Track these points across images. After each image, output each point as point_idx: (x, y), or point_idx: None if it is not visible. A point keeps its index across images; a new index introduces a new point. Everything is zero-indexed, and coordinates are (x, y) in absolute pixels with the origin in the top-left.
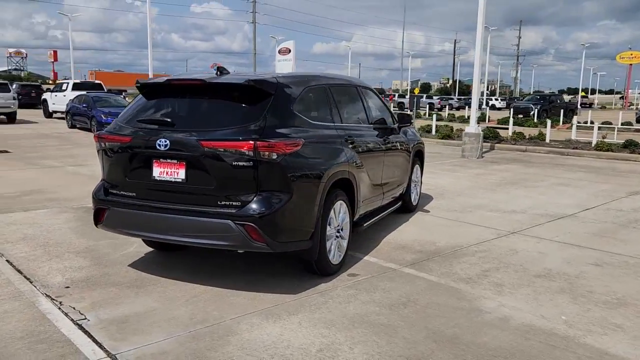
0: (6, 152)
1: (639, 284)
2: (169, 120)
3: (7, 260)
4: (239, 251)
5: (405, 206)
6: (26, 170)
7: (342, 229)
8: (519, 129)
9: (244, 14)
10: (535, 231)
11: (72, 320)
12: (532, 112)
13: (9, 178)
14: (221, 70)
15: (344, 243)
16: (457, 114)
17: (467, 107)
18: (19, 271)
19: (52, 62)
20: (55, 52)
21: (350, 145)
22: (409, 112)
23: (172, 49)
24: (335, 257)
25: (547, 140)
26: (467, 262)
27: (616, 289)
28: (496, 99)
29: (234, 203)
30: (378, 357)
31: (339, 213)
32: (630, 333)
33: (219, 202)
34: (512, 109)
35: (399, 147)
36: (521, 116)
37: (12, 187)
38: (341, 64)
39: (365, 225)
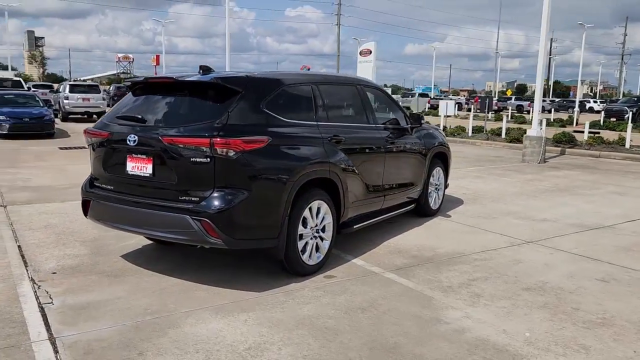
0: (84, 148)
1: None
2: (140, 117)
3: (18, 246)
4: (204, 247)
5: (421, 210)
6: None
7: (322, 230)
8: (610, 133)
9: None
10: (555, 242)
11: (38, 303)
12: (626, 116)
13: (69, 171)
14: (205, 70)
15: (325, 244)
16: (545, 116)
17: (566, 109)
18: (22, 256)
19: (155, 65)
20: (157, 57)
21: (336, 145)
22: (418, 113)
23: (266, 52)
24: (312, 257)
25: (627, 146)
26: (457, 270)
27: (609, 307)
28: (594, 101)
29: (192, 198)
30: (302, 356)
31: (318, 213)
32: (594, 356)
33: (180, 197)
34: (604, 112)
35: (410, 149)
36: (614, 119)
37: (68, 179)
38: (431, 65)
39: (355, 227)
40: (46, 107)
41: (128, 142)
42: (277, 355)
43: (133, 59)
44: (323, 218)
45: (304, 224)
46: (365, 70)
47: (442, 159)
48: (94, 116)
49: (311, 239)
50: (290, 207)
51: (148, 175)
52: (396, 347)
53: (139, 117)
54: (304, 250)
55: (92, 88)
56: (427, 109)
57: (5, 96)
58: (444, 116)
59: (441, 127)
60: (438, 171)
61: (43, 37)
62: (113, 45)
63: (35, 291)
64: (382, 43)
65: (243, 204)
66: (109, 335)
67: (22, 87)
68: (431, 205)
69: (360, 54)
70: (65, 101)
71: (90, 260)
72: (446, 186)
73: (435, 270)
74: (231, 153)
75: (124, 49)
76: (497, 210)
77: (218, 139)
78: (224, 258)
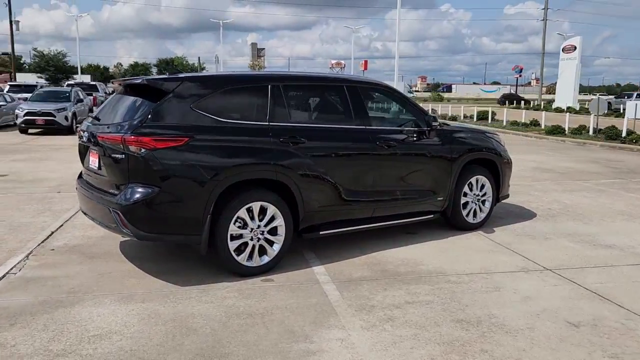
0: None
1: (587, 356)
2: (96, 116)
3: (61, 225)
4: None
5: (451, 223)
6: None
7: (271, 232)
8: None
9: (562, 13)
10: (585, 273)
11: (5, 273)
12: None
13: None
14: (172, 73)
15: (276, 247)
16: None
17: None
18: (51, 233)
19: (363, 70)
20: (365, 62)
21: (293, 147)
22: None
23: (481, 53)
24: (254, 259)
25: None
26: (409, 290)
27: (540, 356)
28: None
29: (114, 192)
30: (128, 350)
31: (263, 215)
32: None
33: (109, 191)
34: None
35: (423, 154)
36: None
37: None
38: None
39: (324, 233)
40: None
41: (83, 138)
42: (109, 346)
43: (345, 65)
44: (270, 220)
45: (244, 225)
46: (568, 68)
47: (488, 167)
48: None
49: (251, 240)
50: (213, 206)
51: (95, 168)
52: (224, 357)
53: (96, 116)
54: (240, 250)
55: None
56: (606, 112)
57: None
58: (632, 119)
59: (624, 132)
60: (478, 180)
61: (264, 48)
62: (333, 52)
63: (19, 263)
64: (619, 38)
65: (152, 199)
66: (16, 305)
67: None
68: (466, 217)
69: (562, 50)
70: None
71: (94, 242)
72: (499, 198)
73: (384, 286)
74: (142, 150)
75: (342, 55)
76: (563, 230)
77: (129, 137)
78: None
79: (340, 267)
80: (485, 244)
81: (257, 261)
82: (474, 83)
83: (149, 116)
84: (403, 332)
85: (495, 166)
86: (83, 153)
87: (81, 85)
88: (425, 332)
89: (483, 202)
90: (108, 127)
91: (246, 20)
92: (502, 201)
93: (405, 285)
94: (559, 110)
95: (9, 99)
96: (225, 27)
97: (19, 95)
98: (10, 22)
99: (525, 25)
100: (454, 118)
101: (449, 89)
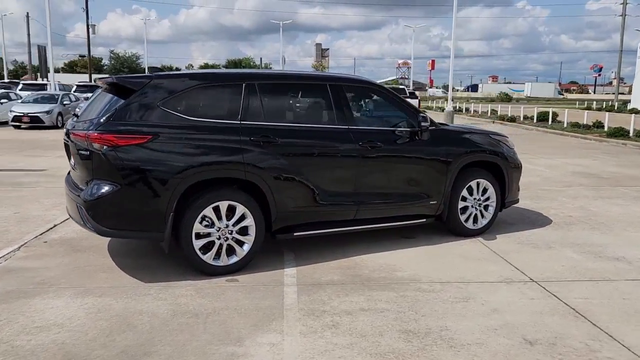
0: None
1: None
2: (76, 113)
3: (55, 224)
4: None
5: (449, 228)
6: None
7: (237, 232)
8: None
9: None
10: (572, 286)
11: None
12: None
13: None
14: (151, 70)
15: (246, 247)
16: None
17: None
18: (54, 226)
19: (430, 70)
20: (433, 61)
21: (264, 146)
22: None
23: (559, 51)
24: (222, 259)
25: None
26: (371, 296)
27: None
28: None
29: (82, 187)
30: (60, 343)
31: (232, 214)
32: None
33: (79, 187)
34: None
35: (413, 156)
36: None
37: None
38: None
39: (298, 234)
40: None
41: (65, 136)
42: (45, 338)
43: (411, 64)
44: (240, 220)
45: (211, 224)
46: None
47: (491, 171)
48: None
49: (219, 239)
50: (175, 204)
51: (73, 165)
52: (146, 355)
53: (76, 114)
54: (207, 249)
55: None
56: None
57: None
58: None
59: None
60: (480, 184)
61: (328, 49)
62: (402, 52)
63: (9, 254)
64: None
65: (112, 195)
66: None
67: (405, 93)
68: (465, 223)
69: None
70: None
71: (87, 236)
72: (505, 204)
73: (347, 292)
74: (104, 147)
75: (409, 55)
76: (573, 239)
77: (92, 134)
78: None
79: (312, 270)
80: (479, 251)
81: (225, 261)
82: (508, 82)
83: (114, 114)
84: (340, 341)
85: (499, 169)
86: (67, 151)
87: None
88: (364, 341)
89: (486, 207)
90: (79, 125)
91: (315, 21)
92: (519, 207)
93: (369, 292)
94: (635, 111)
95: (73, 98)
96: (294, 28)
97: (85, 95)
98: (87, 26)
99: (609, 22)
100: (512, 119)
101: (474, 88)
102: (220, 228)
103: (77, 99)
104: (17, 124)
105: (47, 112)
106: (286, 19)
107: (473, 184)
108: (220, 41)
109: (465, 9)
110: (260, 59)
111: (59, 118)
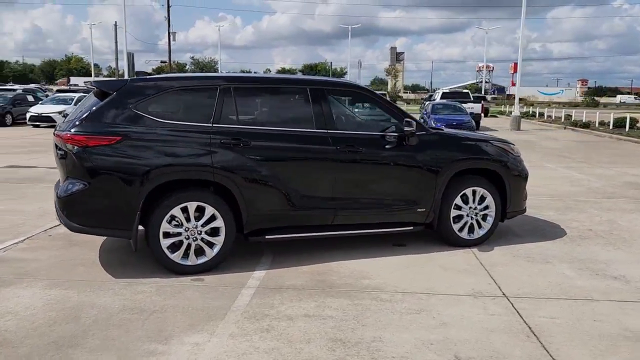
0: None
1: None
2: (68, 115)
3: None
4: None
5: (440, 237)
6: None
7: (207, 233)
8: None
9: None
10: (543, 305)
11: None
12: None
13: None
14: (137, 74)
15: (216, 248)
16: None
17: None
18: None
19: (512, 73)
20: (515, 65)
21: (235, 149)
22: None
23: None
24: (190, 259)
25: None
26: (319, 302)
27: None
28: None
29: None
30: (3, 330)
31: (201, 215)
32: None
33: (60, 185)
34: None
35: (399, 162)
36: None
37: None
38: None
39: (270, 237)
40: (467, 114)
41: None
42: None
43: (493, 67)
44: (210, 221)
45: (180, 224)
46: None
47: (491, 179)
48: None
49: (187, 239)
50: (142, 204)
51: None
52: (72, 347)
53: (65, 115)
54: (174, 248)
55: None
56: None
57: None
58: None
59: None
60: (476, 192)
61: (403, 52)
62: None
63: (12, 245)
64: None
65: (80, 193)
66: None
67: (469, 97)
68: (458, 233)
69: None
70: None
71: None
72: (507, 214)
73: (302, 297)
74: (75, 147)
75: (493, 58)
76: (578, 254)
77: (65, 135)
78: None
79: (282, 274)
80: (465, 262)
81: (194, 260)
82: (545, 86)
83: (88, 116)
84: (263, 345)
85: (499, 178)
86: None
87: None
88: (287, 347)
89: (484, 217)
90: (62, 126)
91: (395, 25)
92: (537, 217)
93: (324, 298)
94: None
95: None
96: (374, 32)
97: None
98: (169, 34)
99: None
100: (585, 125)
101: (500, 90)
102: (188, 228)
103: None
104: (35, 123)
105: (59, 112)
106: (362, 24)
107: (468, 191)
108: (300, 46)
109: (554, 9)
110: (330, 63)
111: None
